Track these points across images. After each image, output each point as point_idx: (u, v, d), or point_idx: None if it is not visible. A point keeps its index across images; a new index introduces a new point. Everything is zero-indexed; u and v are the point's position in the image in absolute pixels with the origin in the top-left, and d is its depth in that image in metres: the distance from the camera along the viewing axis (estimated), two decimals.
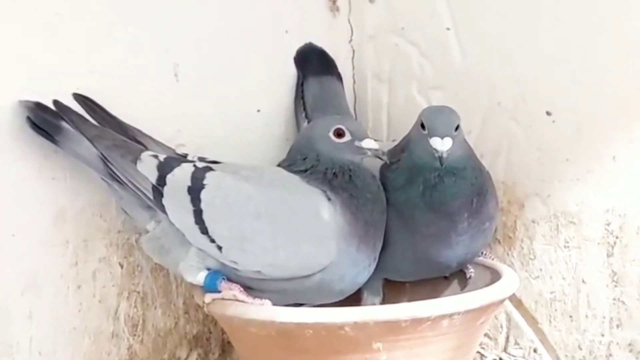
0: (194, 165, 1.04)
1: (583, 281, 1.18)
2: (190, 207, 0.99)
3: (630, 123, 1.10)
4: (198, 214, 0.99)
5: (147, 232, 1.05)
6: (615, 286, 1.15)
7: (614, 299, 1.15)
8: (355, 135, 1.05)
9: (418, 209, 1.06)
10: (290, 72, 1.36)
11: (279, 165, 1.10)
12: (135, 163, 1.01)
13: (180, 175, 1.01)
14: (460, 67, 1.29)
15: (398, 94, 1.39)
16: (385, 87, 1.41)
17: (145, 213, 1.04)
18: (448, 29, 1.30)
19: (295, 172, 1.05)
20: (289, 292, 1.02)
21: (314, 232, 0.99)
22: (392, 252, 1.08)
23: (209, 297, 1.01)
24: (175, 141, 1.16)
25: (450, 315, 0.96)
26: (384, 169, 1.10)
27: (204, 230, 0.99)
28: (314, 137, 1.06)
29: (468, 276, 1.16)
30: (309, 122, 1.30)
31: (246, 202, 0.99)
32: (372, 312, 0.97)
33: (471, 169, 1.07)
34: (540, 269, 1.22)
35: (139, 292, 1.15)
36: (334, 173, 1.03)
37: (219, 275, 1.00)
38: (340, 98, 1.37)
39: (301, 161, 1.05)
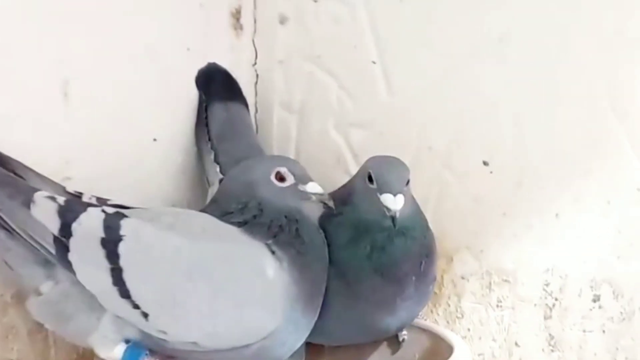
0: (103, 211, 0.84)
1: (516, 344, 1.11)
2: (106, 265, 0.82)
3: (578, 181, 1.04)
4: (116, 273, 0.82)
5: (39, 294, 0.86)
6: (552, 351, 1.08)
7: None
8: (298, 178, 0.93)
9: (364, 272, 0.94)
10: (192, 94, 1.20)
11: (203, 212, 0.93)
12: (28, 207, 0.82)
13: (89, 224, 0.84)
14: (386, 104, 1.18)
15: (310, 128, 1.26)
16: (295, 119, 1.27)
17: (39, 270, 0.85)
18: (374, 62, 1.18)
19: (231, 224, 0.89)
20: None
21: (258, 293, 0.85)
22: (327, 315, 0.96)
23: None
24: (61, 174, 0.98)
25: None
26: (322, 220, 0.97)
27: (125, 294, 0.82)
28: (254, 181, 0.92)
29: (401, 339, 1.06)
30: (215, 154, 1.15)
31: (174, 256, 0.84)
32: None
33: (420, 228, 0.97)
34: (468, 329, 1.14)
35: None
36: (280, 226, 0.90)
37: (142, 350, 0.84)
38: (248, 127, 1.24)
39: (238, 210, 0.90)
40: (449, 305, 1.15)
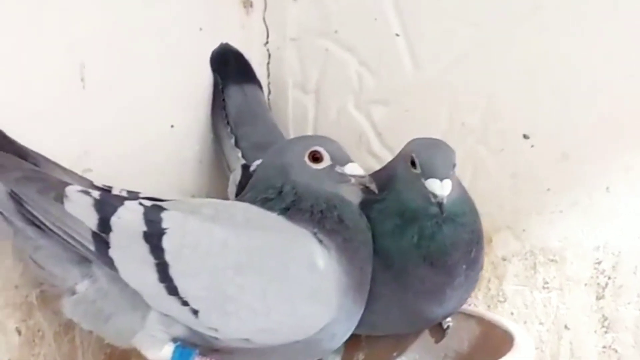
0: (140, 204, 0.77)
1: (566, 327, 1.05)
2: (152, 260, 0.77)
3: (629, 151, 0.98)
4: (162, 269, 0.77)
5: (74, 293, 0.79)
6: (606, 332, 1.03)
7: (604, 347, 1.03)
8: (336, 159, 0.85)
9: (412, 262, 0.88)
10: (206, 77, 1.13)
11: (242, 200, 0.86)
12: (62, 202, 0.76)
13: (129, 218, 0.78)
14: (411, 79, 1.11)
15: (328, 107, 1.19)
16: (312, 99, 1.20)
17: (75, 269, 0.79)
18: (397, 34, 1.11)
19: (273, 210, 0.82)
20: (266, 356, 0.81)
21: (311, 285, 0.79)
22: (373, 305, 0.89)
23: None
24: (80, 166, 0.92)
25: None
26: (362, 206, 0.90)
27: (173, 291, 0.76)
28: (287, 163, 0.85)
29: (445, 326, 0.99)
30: (235, 139, 1.08)
31: (223, 250, 0.78)
32: None
33: (469, 213, 0.90)
34: (512, 313, 1.08)
35: None
36: (321, 211, 0.82)
37: (192, 350, 0.78)
38: (266, 110, 1.17)
39: (277, 196, 0.83)
40: (489, 289, 1.09)
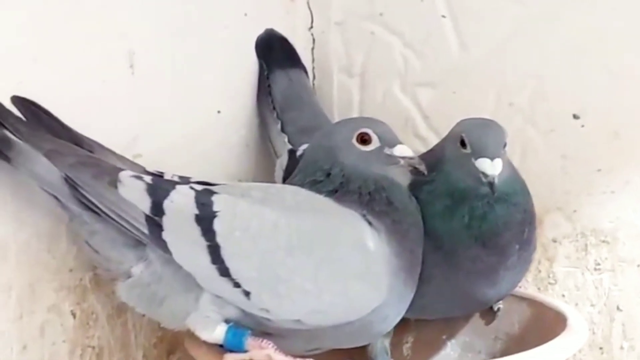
0: (191, 188, 0.78)
1: (618, 308, 1.04)
2: (203, 242, 0.78)
3: None
4: (214, 251, 0.78)
5: (130, 276, 0.81)
6: None
7: None
8: (384, 141, 0.85)
9: (462, 243, 0.87)
10: (252, 63, 1.14)
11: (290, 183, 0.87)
12: (115, 187, 0.77)
13: (182, 202, 0.79)
14: (458, 60, 1.10)
15: (374, 91, 1.19)
16: (357, 83, 1.20)
17: (130, 253, 0.81)
18: (443, 16, 1.10)
19: (321, 192, 0.83)
20: (318, 339, 0.82)
21: (361, 267, 0.79)
22: (424, 288, 0.89)
23: (231, 359, 0.78)
24: (131, 151, 0.93)
25: None
26: (412, 188, 0.90)
27: (225, 272, 0.77)
28: (335, 146, 0.85)
29: (496, 309, 0.98)
30: (281, 124, 1.08)
31: (274, 232, 0.78)
32: None
33: (521, 193, 0.90)
34: (563, 295, 1.07)
35: (93, 347, 0.92)
36: (369, 193, 0.82)
37: (244, 330, 0.78)
38: (312, 95, 1.17)
39: (326, 178, 0.84)
40: (540, 271, 1.08)
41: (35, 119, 0.80)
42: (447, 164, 0.89)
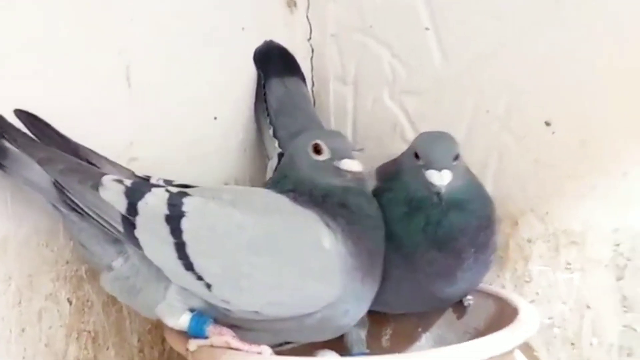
0: (167, 190, 0.87)
1: (587, 306, 1.08)
2: (171, 240, 0.85)
3: None
4: (180, 247, 0.85)
5: (111, 269, 0.90)
6: (626, 312, 1.05)
7: (624, 326, 1.06)
8: (334, 154, 0.92)
9: (420, 247, 0.94)
10: (249, 73, 1.23)
11: (266, 186, 0.96)
12: (97, 189, 0.86)
13: (154, 203, 0.87)
14: (440, 70, 1.17)
15: (365, 98, 1.26)
16: (350, 90, 1.27)
17: (111, 248, 0.90)
18: (427, 28, 1.17)
19: (283, 192, 0.92)
20: (283, 332, 0.90)
21: (318, 265, 0.87)
22: (387, 285, 0.96)
23: (194, 344, 0.87)
24: (126, 155, 1.03)
25: None
26: (375, 194, 0.97)
27: (189, 266, 0.85)
28: (295, 153, 0.94)
29: (466, 304, 1.05)
30: (274, 128, 1.17)
31: (239, 233, 0.86)
32: None
33: (477, 199, 0.96)
34: (537, 293, 1.12)
35: (89, 332, 1.01)
36: (322, 196, 0.90)
37: (206, 318, 0.87)
38: (307, 102, 1.25)
39: (283, 179, 0.93)
40: (516, 270, 1.13)
41: (35, 131, 0.90)
42: (404, 174, 0.96)
